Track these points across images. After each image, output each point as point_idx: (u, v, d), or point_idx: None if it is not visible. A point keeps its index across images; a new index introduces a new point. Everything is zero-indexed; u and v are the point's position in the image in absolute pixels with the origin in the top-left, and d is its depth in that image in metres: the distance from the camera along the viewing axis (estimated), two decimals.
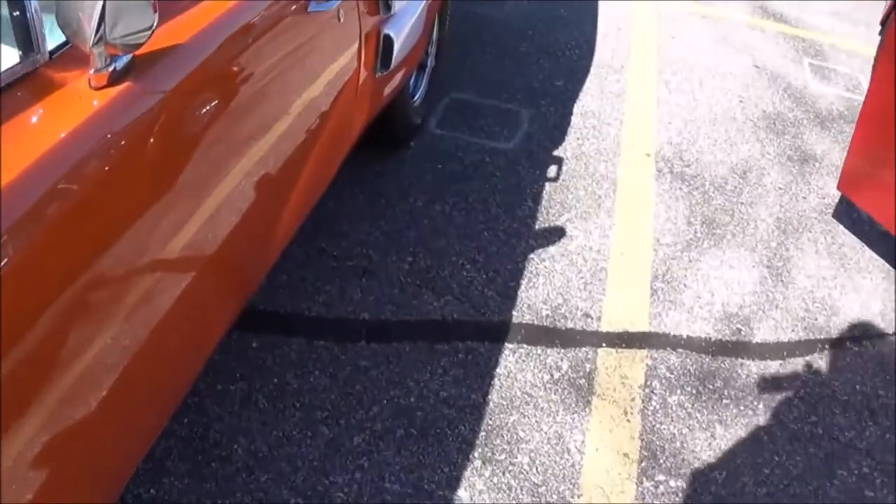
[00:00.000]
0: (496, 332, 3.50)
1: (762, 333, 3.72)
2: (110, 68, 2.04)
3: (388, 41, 3.30)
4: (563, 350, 3.46)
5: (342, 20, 2.94)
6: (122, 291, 2.05)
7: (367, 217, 3.96)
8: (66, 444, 1.94)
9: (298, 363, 3.29)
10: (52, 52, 2.06)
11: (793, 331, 3.76)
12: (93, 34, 1.96)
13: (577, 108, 4.94)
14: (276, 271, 3.55)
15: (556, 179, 4.35)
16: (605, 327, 3.58)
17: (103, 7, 1.94)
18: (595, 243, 3.98)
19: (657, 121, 4.97)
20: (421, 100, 4.44)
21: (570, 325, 3.56)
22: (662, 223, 4.18)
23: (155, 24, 1.98)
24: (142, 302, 2.13)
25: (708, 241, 4.12)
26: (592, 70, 5.37)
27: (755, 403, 3.40)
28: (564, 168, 4.44)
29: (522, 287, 3.70)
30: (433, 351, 3.39)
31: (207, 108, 2.33)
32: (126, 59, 2.07)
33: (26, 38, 1.99)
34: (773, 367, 3.58)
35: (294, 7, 2.66)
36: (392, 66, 3.37)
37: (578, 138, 4.69)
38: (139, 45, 2.03)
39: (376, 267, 3.72)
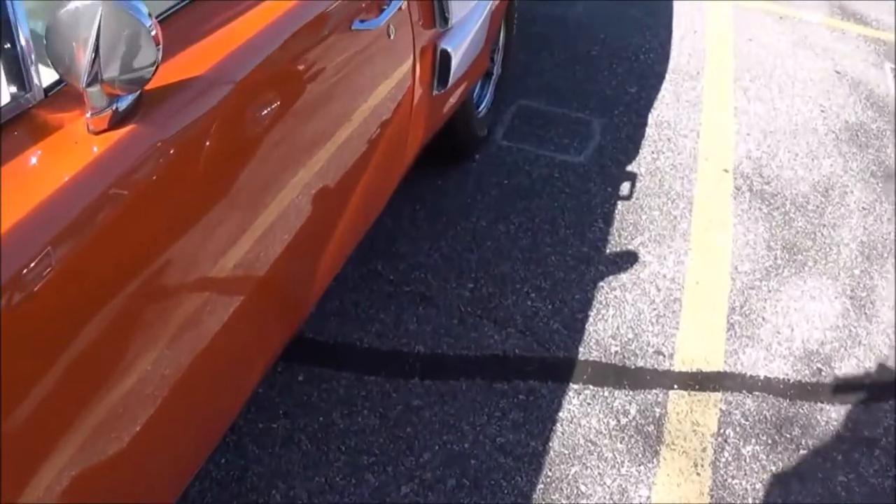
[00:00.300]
0: (561, 370, 3.12)
1: (843, 374, 3.27)
2: (111, 110, 1.66)
3: (446, 57, 2.92)
4: (631, 392, 3.07)
5: (393, 36, 2.57)
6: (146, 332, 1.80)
7: (427, 237, 3.58)
8: (96, 479, 1.74)
9: (346, 400, 2.94)
10: (48, 90, 1.71)
11: (876, 371, 3.31)
12: (86, 73, 1.59)
13: (651, 118, 4.51)
14: (329, 296, 3.19)
15: (629, 198, 3.94)
16: (677, 366, 3.17)
17: (97, 40, 1.57)
18: (669, 270, 3.57)
19: (735, 132, 4.53)
20: (487, 109, 4.05)
21: (640, 363, 3.16)
22: (741, 248, 3.75)
23: (158, 59, 1.62)
24: (180, 334, 1.90)
25: (788, 268, 3.68)
26: (667, 76, 4.92)
27: (834, 454, 2.98)
28: (638, 185, 4.03)
29: (591, 319, 3.30)
30: (492, 390, 3.01)
31: (234, 145, 2.01)
32: (130, 98, 1.69)
33: (17, 73, 1.65)
34: (855, 412, 3.13)
35: (335, 27, 2.30)
36: (450, 83, 2.99)
37: (653, 152, 4.26)
38: (142, 84, 1.66)
39: (435, 293, 3.34)
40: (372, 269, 3.43)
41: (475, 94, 3.96)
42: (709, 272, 3.61)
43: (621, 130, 4.38)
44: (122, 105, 1.70)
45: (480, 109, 4.00)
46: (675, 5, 5.76)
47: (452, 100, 3.24)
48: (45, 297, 1.49)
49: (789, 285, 3.61)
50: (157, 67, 1.65)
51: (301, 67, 2.21)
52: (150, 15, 1.60)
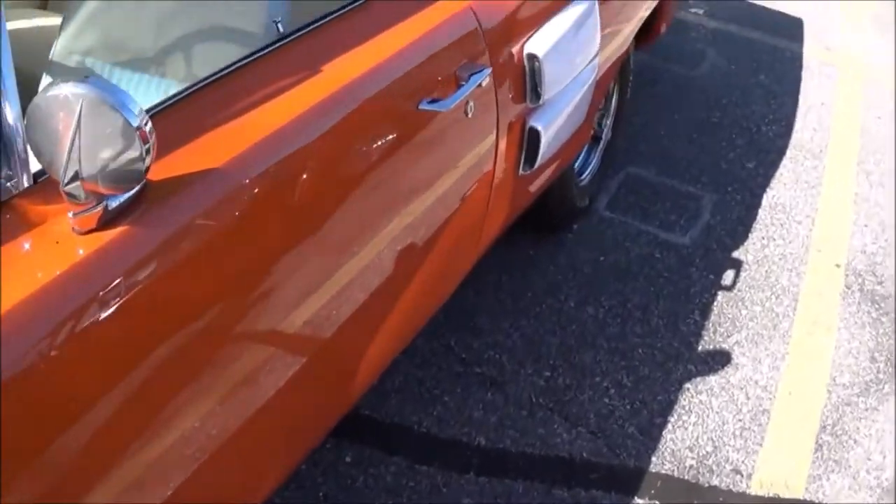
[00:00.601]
0: (628, 481, 2.78)
1: None
2: (100, 208, 1.36)
3: (535, 135, 2.59)
4: None
5: (471, 114, 2.24)
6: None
7: (509, 313, 3.25)
8: None
9: (393, 489, 2.64)
10: (37, 175, 1.42)
11: None
12: (64, 170, 1.30)
13: (766, 199, 4.10)
14: (393, 370, 2.89)
15: (731, 289, 3.54)
16: (754, 489, 2.81)
17: (77, 135, 1.27)
18: (762, 377, 3.17)
19: (852, 222, 4.10)
20: (591, 177, 3.69)
21: (714, 481, 2.80)
22: (842, 356, 3.34)
23: (146, 157, 1.31)
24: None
25: (890, 384, 3.26)
26: (788, 151, 4.50)
27: None
28: (743, 275, 3.63)
29: (669, 426, 2.94)
30: (550, 496, 2.70)
31: (272, 245, 1.77)
32: (125, 195, 1.39)
33: (4, 154, 1.35)
34: None
35: (393, 107, 1.98)
36: (539, 163, 2.64)
37: (763, 237, 3.85)
38: (132, 184, 1.37)
39: (507, 379, 3.01)
40: (444, 343, 3.10)
41: (578, 162, 3.60)
42: (804, 382, 3.21)
43: (732, 210, 3.98)
44: (114, 203, 1.40)
45: (583, 177, 3.64)
46: (805, 74, 5.29)
47: (542, 179, 2.91)
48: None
49: (888, 404, 3.19)
50: (147, 166, 1.35)
51: (350, 153, 1.91)
52: (139, 109, 1.31)
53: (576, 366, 3.12)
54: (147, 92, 2.27)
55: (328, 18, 2.03)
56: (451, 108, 2.10)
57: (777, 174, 4.29)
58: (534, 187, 2.88)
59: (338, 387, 2.27)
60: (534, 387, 3.02)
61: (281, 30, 1.94)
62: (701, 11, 5.77)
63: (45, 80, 2.33)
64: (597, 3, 2.83)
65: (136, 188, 1.43)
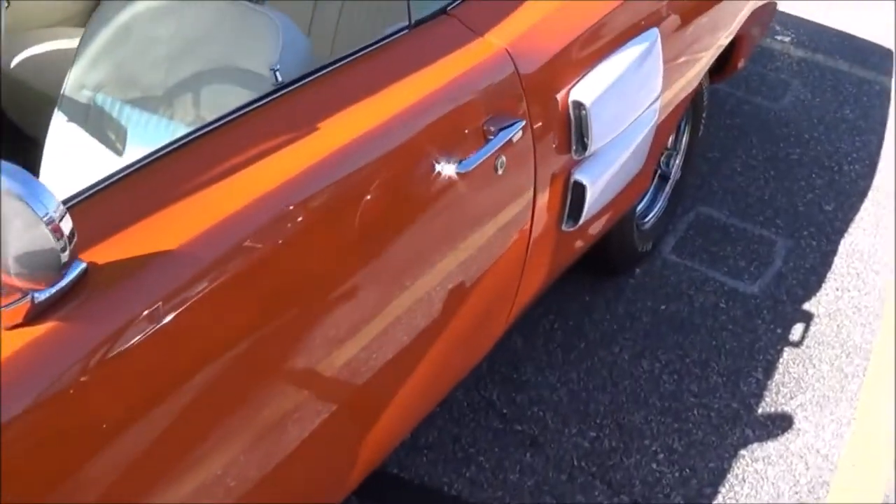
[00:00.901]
0: None
1: None
2: (25, 301, 1.14)
3: (580, 190, 2.31)
4: None
5: (502, 171, 1.98)
6: None
7: (557, 366, 2.98)
8: None
9: None
10: None
11: None
12: None
13: (843, 245, 3.76)
14: (427, 424, 2.64)
15: (798, 344, 3.23)
16: None
17: None
18: (825, 444, 2.87)
19: None
20: (656, 219, 3.39)
21: None
22: None
23: (65, 249, 1.08)
24: None
25: None
26: (870, 194, 4.14)
27: None
28: (812, 329, 3.31)
29: (720, 497, 2.66)
30: None
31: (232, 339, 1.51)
32: (55, 287, 1.16)
33: None
34: None
35: (408, 168, 1.75)
36: (584, 219, 2.36)
37: (837, 288, 3.52)
38: (53, 279, 1.14)
39: (549, 438, 2.75)
40: (485, 396, 2.85)
41: (642, 204, 3.31)
42: (869, 453, 2.90)
43: (807, 257, 3.65)
44: (42, 296, 1.17)
45: (647, 220, 3.35)
46: (893, 109, 4.90)
47: (590, 234, 2.63)
48: None
49: None
50: (67, 259, 1.12)
51: (347, 222, 1.67)
52: (54, 202, 1.08)
53: (624, 426, 2.84)
54: (156, 133, 2.09)
55: (337, 64, 1.79)
56: (471, 168, 1.84)
57: (857, 218, 3.95)
58: (580, 243, 2.61)
59: (359, 447, 2.06)
60: (577, 448, 2.75)
61: (279, 79, 1.70)
62: (787, 39, 5.41)
63: (57, 117, 2.15)
64: (658, 40, 2.52)
65: (68, 279, 1.20)
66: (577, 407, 2.89)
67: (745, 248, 3.65)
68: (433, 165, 1.81)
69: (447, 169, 1.81)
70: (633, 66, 2.39)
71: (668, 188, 3.50)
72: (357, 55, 1.84)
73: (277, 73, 1.74)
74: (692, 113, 3.45)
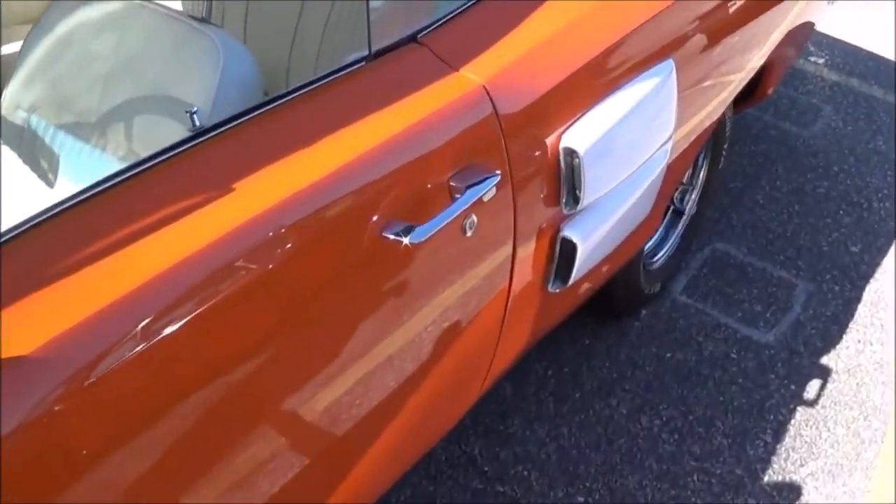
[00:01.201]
0: None
1: None
2: None
3: (569, 248, 1.95)
4: None
5: (471, 233, 1.62)
6: None
7: (548, 417, 2.65)
8: None
9: None
10: None
11: None
12: None
13: (868, 292, 3.38)
14: (403, 480, 2.31)
15: (813, 404, 2.87)
16: None
17: None
18: None
19: None
20: (666, 258, 3.03)
21: None
22: None
23: None
24: None
25: None
26: None
27: None
28: (829, 387, 2.95)
29: None
30: None
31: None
32: None
33: None
34: None
35: (350, 234, 1.41)
36: (574, 279, 2.00)
37: (859, 340, 3.14)
38: None
39: (532, 502, 2.40)
40: (466, 451, 2.52)
41: (652, 242, 2.95)
42: None
43: (828, 304, 3.28)
44: None
45: (656, 260, 2.99)
46: None
47: (581, 292, 2.27)
48: None
49: None
50: None
51: (269, 293, 1.33)
52: None
53: (616, 491, 2.50)
54: (89, 163, 1.78)
55: (274, 104, 1.45)
56: (426, 238, 1.48)
57: (884, 262, 3.57)
58: (569, 302, 2.25)
59: None
60: None
61: (196, 123, 1.36)
62: (821, 61, 5.01)
63: None
64: (673, 72, 2.15)
65: None
66: (566, 467, 2.55)
67: (763, 291, 3.28)
68: (381, 232, 1.47)
69: (399, 237, 1.46)
70: (641, 106, 2.03)
71: (681, 224, 3.14)
72: (297, 93, 1.49)
73: (195, 117, 1.40)
74: (712, 145, 3.08)
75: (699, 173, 3.14)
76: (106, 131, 1.82)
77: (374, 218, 1.47)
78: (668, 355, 2.96)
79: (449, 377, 1.88)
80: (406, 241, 1.46)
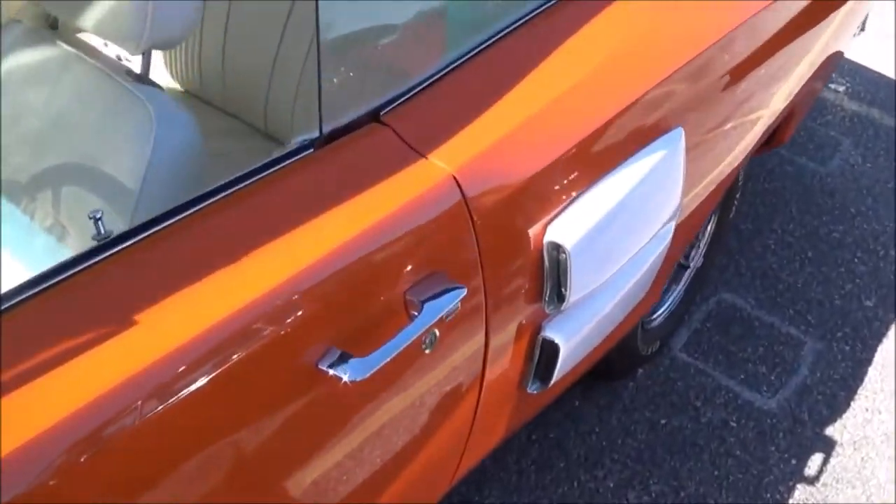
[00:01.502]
0: None
1: None
2: None
3: (551, 350, 1.66)
4: None
5: (432, 349, 1.34)
6: None
7: (528, 488, 2.41)
8: None
9: None
10: None
11: None
12: None
13: (880, 352, 3.10)
14: None
15: (814, 481, 2.60)
16: None
17: None
18: None
19: None
20: (667, 314, 2.75)
21: None
22: None
23: None
24: None
25: None
26: None
27: None
28: (832, 462, 2.67)
29: None
30: None
31: None
32: None
33: None
34: None
35: (277, 364, 1.14)
36: (555, 380, 1.71)
37: (867, 409, 2.87)
38: None
39: None
40: None
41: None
42: None
43: (837, 366, 3.00)
44: None
45: (655, 318, 2.70)
46: None
47: (563, 387, 1.99)
48: None
49: None
50: None
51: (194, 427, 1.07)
52: None
53: None
54: (15, 233, 1.51)
55: (203, 203, 1.17)
56: (370, 373, 1.21)
57: None
58: (551, 395, 1.98)
59: None
60: None
61: (101, 230, 1.10)
62: (841, 89, 4.69)
63: None
64: (682, 141, 1.87)
65: None
66: None
67: (769, 350, 3.00)
68: (315, 364, 1.19)
69: (329, 370, 1.19)
70: (641, 185, 1.75)
71: (686, 278, 2.85)
72: (232, 190, 1.22)
73: (101, 224, 1.13)
74: (723, 198, 2.79)
75: (708, 226, 2.85)
76: (35, 196, 1.57)
77: (308, 348, 1.19)
78: (663, 422, 2.69)
79: (412, 477, 1.62)
80: (346, 378, 1.18)
